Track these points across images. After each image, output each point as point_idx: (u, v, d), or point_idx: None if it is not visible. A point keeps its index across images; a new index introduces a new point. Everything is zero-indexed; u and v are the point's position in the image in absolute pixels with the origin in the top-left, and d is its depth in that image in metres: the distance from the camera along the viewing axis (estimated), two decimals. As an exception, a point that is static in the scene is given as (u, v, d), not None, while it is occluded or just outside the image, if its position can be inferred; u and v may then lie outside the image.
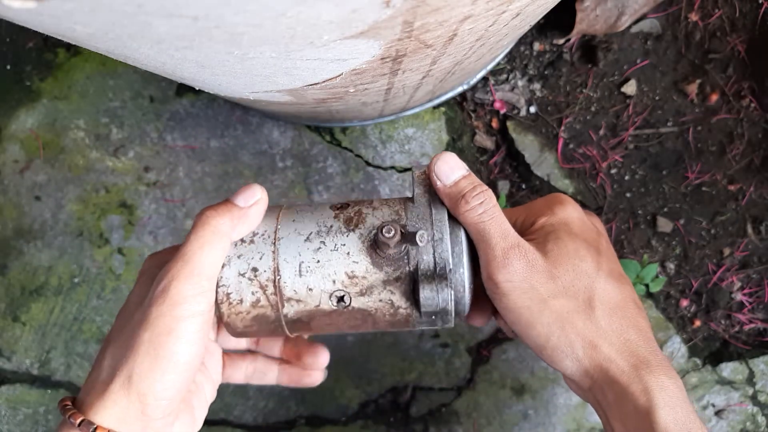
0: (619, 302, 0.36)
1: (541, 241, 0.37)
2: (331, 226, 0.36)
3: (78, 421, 0.30)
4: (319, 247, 0.35)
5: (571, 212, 0.39)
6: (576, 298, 0.35)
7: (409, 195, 0.41)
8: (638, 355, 0.34)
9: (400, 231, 0.33)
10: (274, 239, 0.36)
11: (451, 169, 0.36)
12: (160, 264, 0.35)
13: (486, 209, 0.35)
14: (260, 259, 0.35)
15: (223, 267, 0.35)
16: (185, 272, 0.32)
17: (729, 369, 0.65)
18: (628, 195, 0.66)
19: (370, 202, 0.38)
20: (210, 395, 0.40)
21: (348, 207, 0.37)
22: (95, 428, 0.30)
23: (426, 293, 0.33)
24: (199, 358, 0.33)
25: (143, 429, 0.32)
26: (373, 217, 0.36)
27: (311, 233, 0.36)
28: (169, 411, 0.33)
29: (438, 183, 0.36)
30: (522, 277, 0.35)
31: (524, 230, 0.39)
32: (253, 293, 0.36)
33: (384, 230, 0.33)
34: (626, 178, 0.66)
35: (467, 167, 0.37)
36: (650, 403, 0.33)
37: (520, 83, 0.66)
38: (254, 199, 0.36)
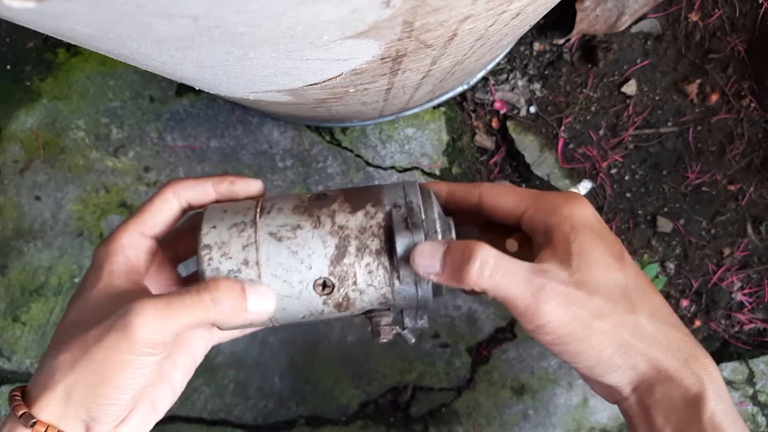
0: (654, 303, 0.36)
1: (563, 250, 0.35)
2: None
3: (20, 413, 0.31)
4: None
5: (591, 214, 0.36)
6: (615, 310, 0.34)
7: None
8: (687, 351, 0.35)
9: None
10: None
11: (431, 256, 0.34)
12: (107, 254, 0.35)
13: (490, 270, 0.33)
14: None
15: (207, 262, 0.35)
16: (152, 299, 0.31)
17: (729, 369, 0.65)
18: (628, 195, 0.66)
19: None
20: (180, 386, 0.39)
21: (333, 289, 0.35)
22: (35, 422, 0.30)
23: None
24: (153, 381, 0.33)
25: (87, 429, 0.32)
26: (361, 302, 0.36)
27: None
28: (117, 416, 0.33)
29: (432, 277, 0.34)
30: (561, 312, 0.33)
31: (537, 226, 0.37)
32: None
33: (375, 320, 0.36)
34: (626, 178, 0.66)
35: (443, 242, 0.34)
36: (702, 392, 0.33)
37: (520, 83, 0.66)
38: (265, 309, 0.34)
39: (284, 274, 0.34)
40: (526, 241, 0.39)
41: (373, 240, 0.34)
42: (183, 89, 0.68)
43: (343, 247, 0.34)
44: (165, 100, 0.68)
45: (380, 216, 0.35)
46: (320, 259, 0.34)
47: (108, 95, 0.69)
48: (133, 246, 0.36)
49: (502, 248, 0.39)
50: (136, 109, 0.68)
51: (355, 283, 0.34)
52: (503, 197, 0.38)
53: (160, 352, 0.31)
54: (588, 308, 0.33)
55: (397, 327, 0.37)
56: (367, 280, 0.34)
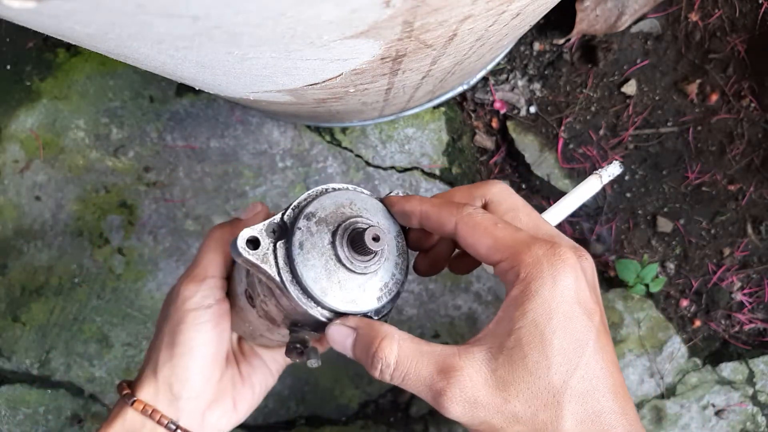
0: (594, 406, 0.30)
1: (498, 342, 0.31)
2: None
3: (123, 393, 0.38)
4: None
5: (561, 291, 0.30)
6: (534, 420, 0.30)
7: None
8: None
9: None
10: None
11: (343, 337, 0.33)
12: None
13: (388, 374, 0.31)
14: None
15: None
16: (191, 274, 0.39)
17: (729, 369, 0.65)
18: (628, 195, 0.66)
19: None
20: (259, 391, 0.43)
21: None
22: (134, 401, 0.37)
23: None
24: (216, 345, 0.39)
25: (172, 405, 0.38)
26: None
27: None
28: (197, 393, 0.38)
29: (349, 355, 0.34)
30: (468, 416, 0.31)
31: (505, 282, 0.32)
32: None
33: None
34: (626, 178, 0.66)
35: (351, 329, 0.33)
36: None
37: (520, 83, 0.66)
38: (254, 211, 0.40)
39: None
40: None
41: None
42: (183, 89, 0.68)
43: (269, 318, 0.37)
44: (165, 100, 0.68)
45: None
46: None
47: (108, 95, 0.69)
48: (211, 287, 0.41)
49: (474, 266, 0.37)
50: (136, 109, 0.68)
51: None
52: (480, 238, 0.32)
53: (208, 302, 0.38)
54: (500, 414, 0.30)
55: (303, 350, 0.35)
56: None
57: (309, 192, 0.34)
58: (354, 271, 0.32)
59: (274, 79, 0.35)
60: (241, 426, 0.67)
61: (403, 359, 0.31)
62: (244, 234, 0.32)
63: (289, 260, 0.32)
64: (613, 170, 0.48)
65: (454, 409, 0.31)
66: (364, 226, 0.32)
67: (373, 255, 0.33)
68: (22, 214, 0.68)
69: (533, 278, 0.30)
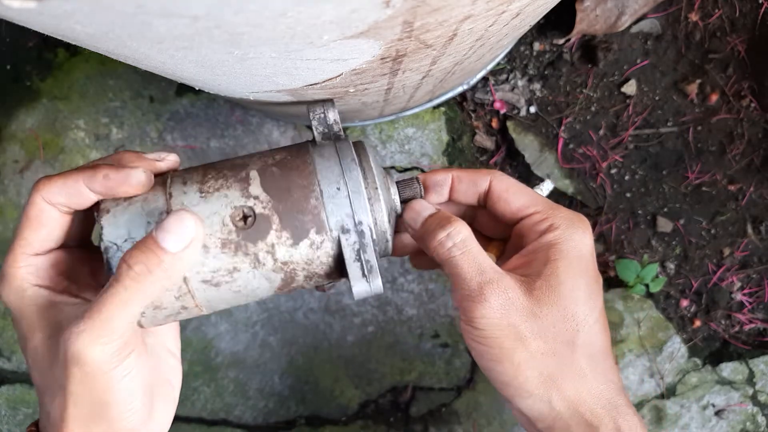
0: (600, 347, 0.35)
1: (534, 271, 0.34)
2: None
3: None
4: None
5: (586, 245, 0.35)
6: (555, 339, 0.33)
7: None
8: (614, 401, 0.34)
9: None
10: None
11: (418, 213, 0.35)
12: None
13: (455, 242, 0.33)
14: None
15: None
16: (90, 327, 0.28)
17: (729, 369, 0.65)
18: (628, 195, 0.66)
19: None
20: (175, 346, 0.37)
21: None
22: None
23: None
24: (148, 378, 0.32)
25: None
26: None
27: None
28: (145, 419, 0.32)
29: (409, 230, 0.35)
30: (500, 314, 0.33)
31: (533, 234, 0.36)
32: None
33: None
34: (626, 178, 0.66)
35: (436, 207, 0.35)
36: None
37: (520, 83, 0.66)
38: (186, 237, 0.29)
39: (229, 306, 0.32)
40: (501, 253, 0.39)
41: (322, 267, 0.32)
42: (183, 89, 0.68)
43: (290, 278, 0.32)
44: (165, 100, 0.68)
45: (328, 246, 0.31)
46: (267, 291, 0.32)
47: (108, 95, 0.69)
48: (34, 275, 0.31)
49: None
50: (136, 109, 0.68)
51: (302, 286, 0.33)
52: (515, 193, 0.37)
53: (127, 352, 0.30)
54: (526, 326, 0.33)
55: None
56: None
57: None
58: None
59: (274, 79, 0.35)
60: (241, 426, 0.67)
61: (471, 238, 0.34)
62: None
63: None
64: (546, 188, 0.52)
65: (494, 301, 0.33)
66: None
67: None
68: (22, 214, 0.68)
69: (567, 229, 0.35)
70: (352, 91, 0.41)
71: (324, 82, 0.36)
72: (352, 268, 0.31)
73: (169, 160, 0.33)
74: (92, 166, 0.31)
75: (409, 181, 0.36)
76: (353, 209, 0.31)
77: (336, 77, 0.35)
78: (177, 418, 0.67)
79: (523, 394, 0.33)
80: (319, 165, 0.31)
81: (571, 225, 0.35)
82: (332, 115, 0.33)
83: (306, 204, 0.31)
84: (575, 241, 0.35)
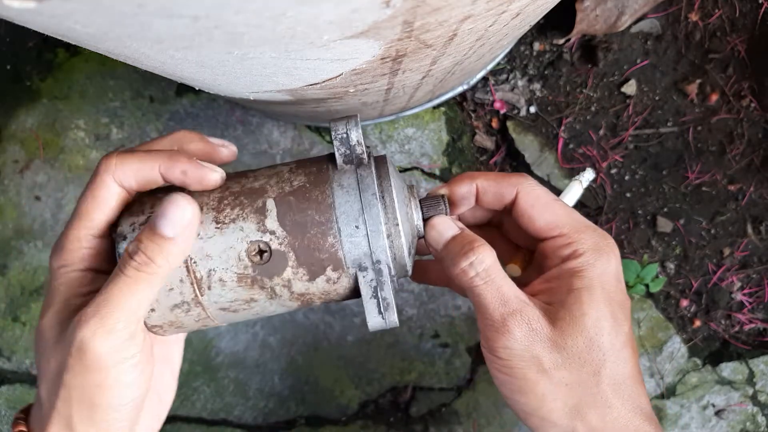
0: (628, 374, 0.34)
1: (557, 299, 0.33)
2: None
3: None
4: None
5: (611, 271, 0.34)
6: (581, 370, 0.32)
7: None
8: (638, 428, 0.33)
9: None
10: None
11: (440, 233, 0.34)
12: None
13: (478, 271, 0.32)
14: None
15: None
16: (97, 312, 0.28)
17: (729, 369, 0.65)
18: (628, 195, 0.66)
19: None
20: (177, 359, 0.37)
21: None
22: None
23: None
24: (144, 388, 0.31)
25: None
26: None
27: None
28: (129, 428, 0.32)
29: (431, 250, 0.35)
30: (523, 346, 0.32)
31: (557, 258, 0.34)
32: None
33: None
34: (626, 178, 0.66)
35: (459, 226, 0.34)
36: None
37: (520, 83, 0.66)
38: (183, 221, 0.29)
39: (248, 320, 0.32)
40: (527, 264, 0.38)
41: (338, 295, 0.32)
42: (183, 89, 0.68)
43: (306, 303, 0.32)
44: (165, 100, 0.68)
45: (344, 281, 0.31)
46: (284, 312, 0.33)
47: (108, 95, 0.69)
48: (90, 258, 0.31)
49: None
50: (136, 109, 0.68)
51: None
52: (541, 211, 0.35)
53: (131, 351, 0.29)
54: (550, 358, 0.32)
55: None
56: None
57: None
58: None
59: (274, 79, 0.35)
60: (241, 426, 0.67)
61: (495, 266, 0.33)
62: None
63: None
64: (588, 176, 0.50)
65: (518, 333, 0.32)
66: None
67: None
68: (22, 214, 0.68)
69: (591, 255, 0.34)
70: (352, 91, 0.41)
71: (324, 82, 0.36)
72: (369, 304, 0.31)
73: (231, 150, 0.34)
74: (168, 155, 0.30)
75: (435, 201, 0.35)
76: (371, 249, 0.30)
77: (336, 77, 0.35)
78: (177, 418, 0.67)
79: (547, 425, 0.33)
80: (338, 198, 0.30)
81: (597, 251, 0.34)
82: (355, 136, 0.31)
83: (323, 242, 0.30)
84: (599, 268, 0.33)
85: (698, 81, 0.65)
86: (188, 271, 0.30)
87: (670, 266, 0.66)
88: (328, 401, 0.66)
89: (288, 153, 0.67)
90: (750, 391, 0.65)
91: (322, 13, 0.23)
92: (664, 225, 0.65)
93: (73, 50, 0.69)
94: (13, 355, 0.68)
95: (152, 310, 0.31)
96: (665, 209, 0.66)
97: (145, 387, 0.31)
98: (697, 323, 0.65)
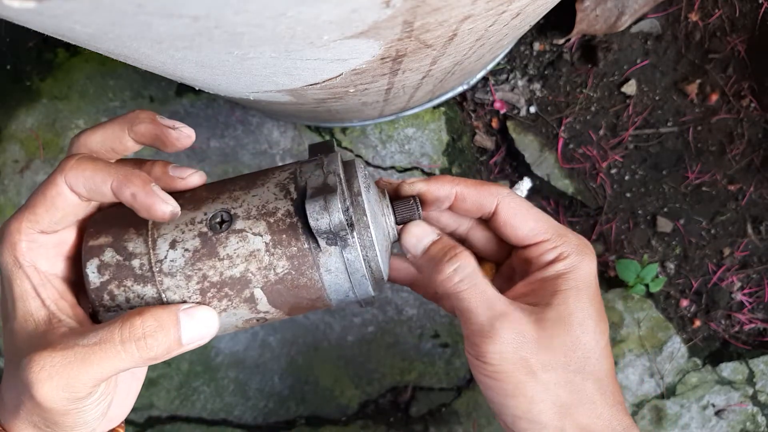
0: (607, 371, 0.35)
1: (542, 300, 0.34)
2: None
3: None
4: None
5: (592, 272, 0.35)
6: (567, 369, 0.33)
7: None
8: (621, 422, 0.34)
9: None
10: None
11: (418, 239, 0.34)
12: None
13: (462, 277, 0.32)
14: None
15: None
16: (66, 388, 0.27)
17: (729, 369, 0.65)
18: (628, 195, 0.66)
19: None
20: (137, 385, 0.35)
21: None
22: None
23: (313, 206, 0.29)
24: (109, 406, 0.30)
25: None
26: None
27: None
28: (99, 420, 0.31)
29: (408, 255, 0.34)
30: (512, 348, 0.32)
31: (541, 263, 0.35)
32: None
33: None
34: (626, 178, 0.66)
35: (437, 231, 0.34)
36: None
37: (520, 83, 0.66)
38: (203, 338, 0.30)
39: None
40: (493, 275, 0.38)
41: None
42: (183, 89, 0.68)
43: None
44: (165, 100, 0.68)
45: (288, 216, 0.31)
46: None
47: (108, 95, 0.69)
48: (34, 252, 0.30)
49: None
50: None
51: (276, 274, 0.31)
52: (523, 219, 0.35)
53: (93, 398, 0.28)
54: (539, 359, 0.32)
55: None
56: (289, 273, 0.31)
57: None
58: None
59: (274, 79, 0.35)
60: (241, 426, 0.67)
61: (477, 271, 0.33)
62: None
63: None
64: (526, 185, 0.51)
65: (506, 336, 0.32)
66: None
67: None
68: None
69: (575, 257, 0.35)
70: (352, 91, 0.41)
71: (324, 82, 0.36)
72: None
73: (184, 133, 0.31)
74: (125, 173, 0.28)
75: (408, 204, 0.34)
76: (360, 302, 0.33)
77: (336, 77, 0.35)
78: (177, 418, 0.67)
79: (536, 427, 0.33)
80: (327, 281, 0.31)
81: (579, 253, 0.35)
82: (336, 217, 0.29)
83: (315, 305, 0.33)
84: (583, 270, 0.34)
85: (698, 81, 0.65)
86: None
87: (670, 266, 0.66)
88: (328, 401, 0.66)
89: (288, 153, 0.67)
90: (750, 391, 0.65)
91: (322, 13, 0.23)
92: (664, 225, 0.65)
93: (73, 50, 0.69)
94: (13, 355, 0.68)
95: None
96: (665, 209, 0.66)
97: (107, 408, 0.30)
98: (697, 323, 0.65)
